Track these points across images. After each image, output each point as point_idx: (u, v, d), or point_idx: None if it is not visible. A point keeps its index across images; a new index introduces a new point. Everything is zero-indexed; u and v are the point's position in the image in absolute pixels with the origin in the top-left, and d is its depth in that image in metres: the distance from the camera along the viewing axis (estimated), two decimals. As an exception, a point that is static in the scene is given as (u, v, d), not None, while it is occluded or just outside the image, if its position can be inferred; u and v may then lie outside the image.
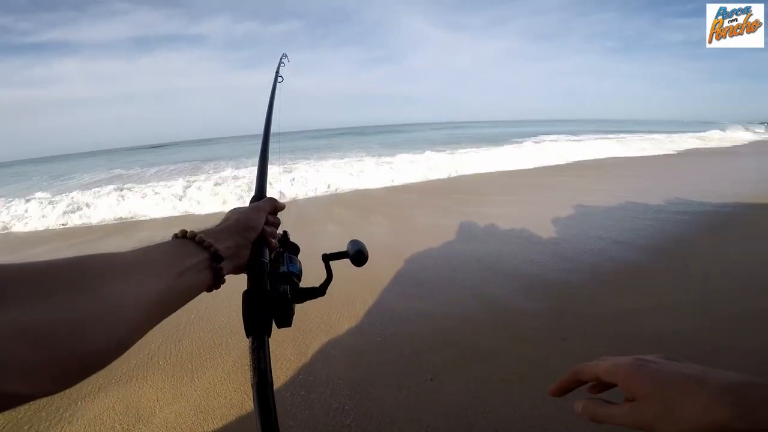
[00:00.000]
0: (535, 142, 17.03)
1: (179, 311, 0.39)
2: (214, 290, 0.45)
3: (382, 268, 3.29)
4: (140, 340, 0.34)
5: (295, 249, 0.60)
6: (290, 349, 2.19)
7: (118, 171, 15.91)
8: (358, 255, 0.55)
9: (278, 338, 2.21)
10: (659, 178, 8.05)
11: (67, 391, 0.26)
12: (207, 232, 0.46)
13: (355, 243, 0.56)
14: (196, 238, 0.43)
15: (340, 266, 0.56)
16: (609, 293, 2.76)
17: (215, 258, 0.43)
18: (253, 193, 0.63)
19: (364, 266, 0.56)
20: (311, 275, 0.62)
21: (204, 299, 1.81)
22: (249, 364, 0.40)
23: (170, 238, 0.43)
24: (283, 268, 0.53)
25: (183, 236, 0.43)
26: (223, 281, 0.44)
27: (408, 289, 2.98)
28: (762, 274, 2.98)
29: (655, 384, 0.31)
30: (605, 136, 20.06)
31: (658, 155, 12.32)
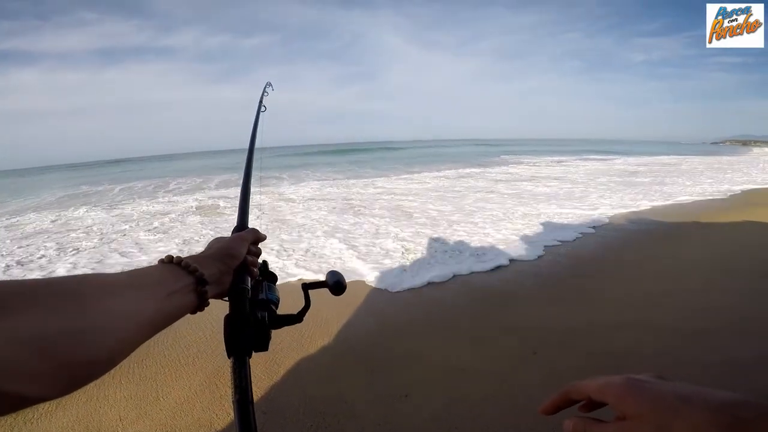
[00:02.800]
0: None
1: None
2: (198, 312, 0.50)
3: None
4: None
5: (273, 278, 0.65)
6: (261, 368, 2.27)
7: (84, 188, 15.49)
8: (336, 285, 0.60)
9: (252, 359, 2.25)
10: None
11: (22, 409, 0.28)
12: (192, 258, 0.51)
13: (333, 273, 0.62)
14: (182, 264, 0.47)
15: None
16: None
17: (201, 282, 0.48)
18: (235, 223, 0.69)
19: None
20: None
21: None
22: (231, 382, 0.46)
23: (157, 263, 0.48)
24: (262, 296, 0.58)
25: (170, 261, 0.48)
26: (207, 304, 0.49)
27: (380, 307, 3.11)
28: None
29: (647, 403, 0.32)
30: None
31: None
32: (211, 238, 0.61)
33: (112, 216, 7.79)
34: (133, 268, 0.44)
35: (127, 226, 6.63)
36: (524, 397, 1.92)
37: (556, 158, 22.15)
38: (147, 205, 9.00)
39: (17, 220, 8.06)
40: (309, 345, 2.49)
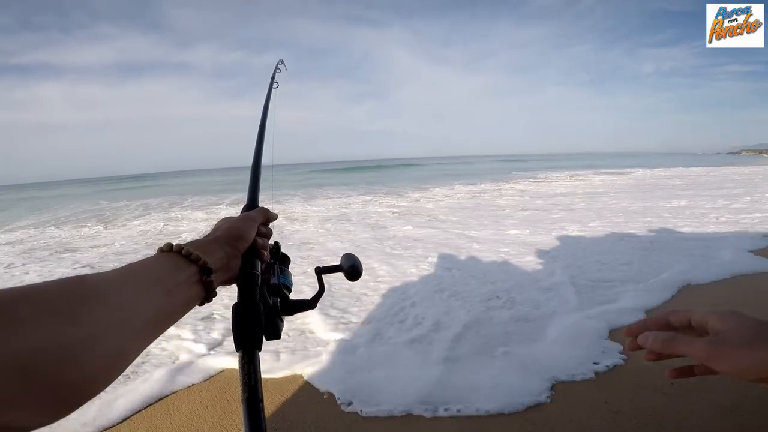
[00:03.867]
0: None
1: None
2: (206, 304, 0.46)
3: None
4: None
5: (286, 260, 0.61)
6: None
7: (104, 203, 15.67)
8: (352, 269, 0.56)
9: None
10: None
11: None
12: (194, 243, 0.46)
13: (349, 257, 0.58)
14: (183, 251, 0.43)
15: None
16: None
17: (205, 271, 0.43)
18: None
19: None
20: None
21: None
22: (239, 379, 0.42)
23: (155, 252, 0.43)
24: (274, 280, 0.54)
25: (169, 250, 0.43)
26: (215, 294, 0.45)
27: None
28: None
29: (747, 324, 0.37)
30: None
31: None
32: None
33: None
34: (128, 262, 0.39)
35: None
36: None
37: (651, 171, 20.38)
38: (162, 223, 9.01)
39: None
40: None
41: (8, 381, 0.23)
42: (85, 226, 9.09)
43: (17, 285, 0.29)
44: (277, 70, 0.94)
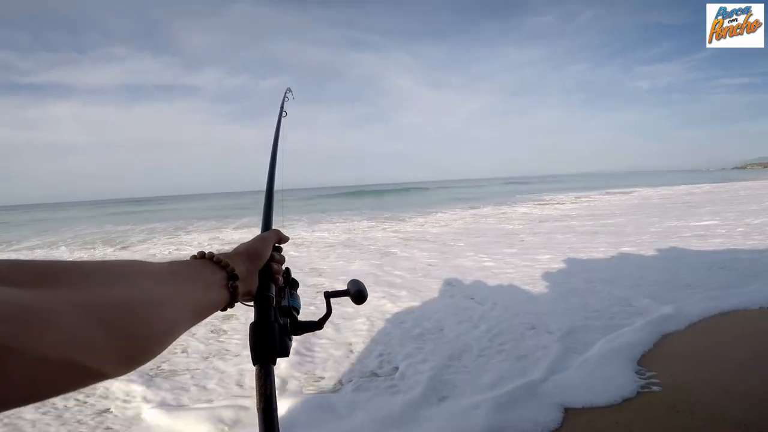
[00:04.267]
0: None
1: None
2: (228, 309, 0.50)
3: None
4: None
5: (295, 284, 0.66)
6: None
7: (109, 227, 15.74)
8: (358, 294, 0.62)
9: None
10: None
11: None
12: (222, 254, 0.51)
13: (355, 282, 0.64)
14: (215, 259, 0.48)
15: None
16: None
17: (232, 277, 0.48)
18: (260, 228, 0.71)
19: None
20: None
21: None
22: (255, 391, 0.48)
23: (189, 259, 0.49)
24: (285, 302, 0.59)
25: (202, 257, 0.48)
26: (237, 301, 0.49)
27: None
28: None
29: None
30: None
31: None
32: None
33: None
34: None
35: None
36: None
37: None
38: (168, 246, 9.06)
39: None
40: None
41: (91, 327, 0.26)
42: (92, 248, 9.14)
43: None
44: (286, 99, 0.99)
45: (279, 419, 0.46)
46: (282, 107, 0.95)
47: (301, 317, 0.60)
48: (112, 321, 0.28)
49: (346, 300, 0.62)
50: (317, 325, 0.57)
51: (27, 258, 0.30)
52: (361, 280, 0.65)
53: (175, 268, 0.42)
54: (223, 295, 0.47)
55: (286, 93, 1.01)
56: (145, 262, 0.38)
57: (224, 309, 0.48)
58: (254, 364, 0.49)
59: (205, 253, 0.49)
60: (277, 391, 0.49)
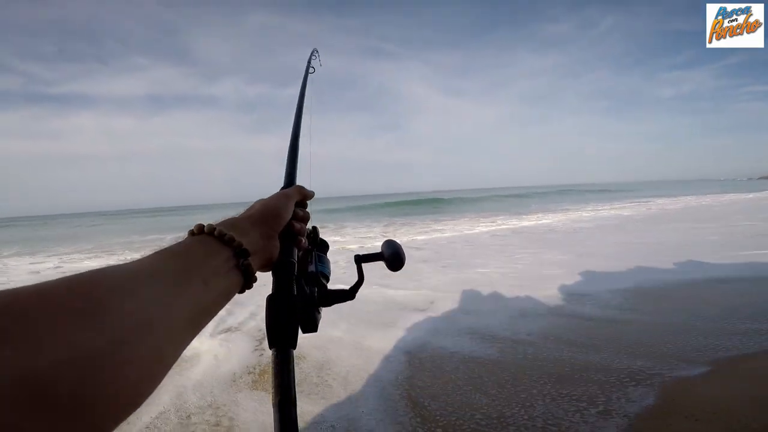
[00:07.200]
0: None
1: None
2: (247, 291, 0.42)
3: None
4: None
5: (324, 246, 0.58)
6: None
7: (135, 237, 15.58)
8: (394, 257, 0.51)
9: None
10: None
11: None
12: (226, 223, 0.42)
13: (390, 244, 0.53)
14: (216, 233, 0.39)
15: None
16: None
17: (240, 253, 0.39)
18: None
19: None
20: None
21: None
22: (271, 380, 0.39)
23: (186, 236, 0.40)
24: (312, 268, 0.52)
25: (200, 232, 0.39)
26: (256, 279, 0.42)
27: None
28: None
29: None
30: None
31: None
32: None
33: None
34: (157, 249, 0.35)
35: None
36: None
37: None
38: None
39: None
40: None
41: (18, 404, 0.18)
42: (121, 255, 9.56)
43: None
44: (313, 57, 0.94)
45: (299, 415, 0.37)
46: (309, 63, 0.91)
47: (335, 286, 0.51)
48: (45, 388, 0.19)
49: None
50: (348, 294, 0.49)
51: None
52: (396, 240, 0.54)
53: (157, 263, 0.32)
54: (232, 280, 0.38)
55: (312, 53, 0.98)
56: (115, 271, 0.28)
57: (241, 291, 0.40)
58: (270, 348, 0.41)
59: (204, 225, 0.39)
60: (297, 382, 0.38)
